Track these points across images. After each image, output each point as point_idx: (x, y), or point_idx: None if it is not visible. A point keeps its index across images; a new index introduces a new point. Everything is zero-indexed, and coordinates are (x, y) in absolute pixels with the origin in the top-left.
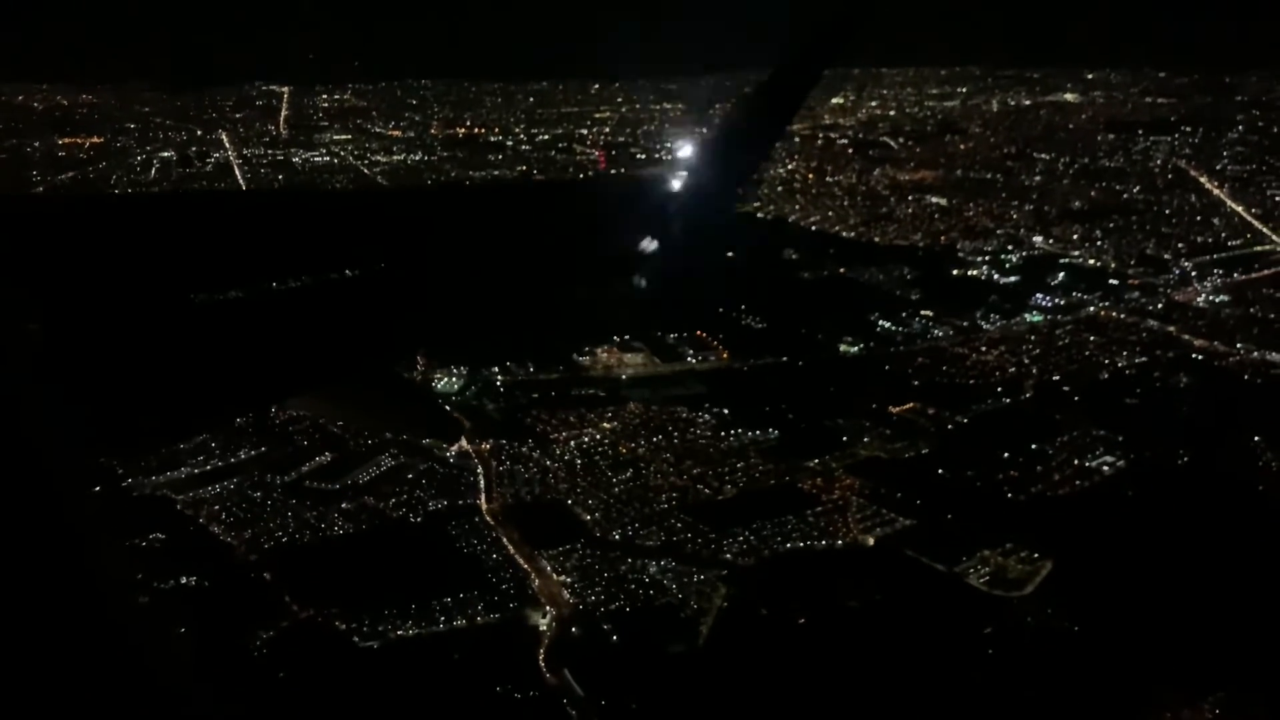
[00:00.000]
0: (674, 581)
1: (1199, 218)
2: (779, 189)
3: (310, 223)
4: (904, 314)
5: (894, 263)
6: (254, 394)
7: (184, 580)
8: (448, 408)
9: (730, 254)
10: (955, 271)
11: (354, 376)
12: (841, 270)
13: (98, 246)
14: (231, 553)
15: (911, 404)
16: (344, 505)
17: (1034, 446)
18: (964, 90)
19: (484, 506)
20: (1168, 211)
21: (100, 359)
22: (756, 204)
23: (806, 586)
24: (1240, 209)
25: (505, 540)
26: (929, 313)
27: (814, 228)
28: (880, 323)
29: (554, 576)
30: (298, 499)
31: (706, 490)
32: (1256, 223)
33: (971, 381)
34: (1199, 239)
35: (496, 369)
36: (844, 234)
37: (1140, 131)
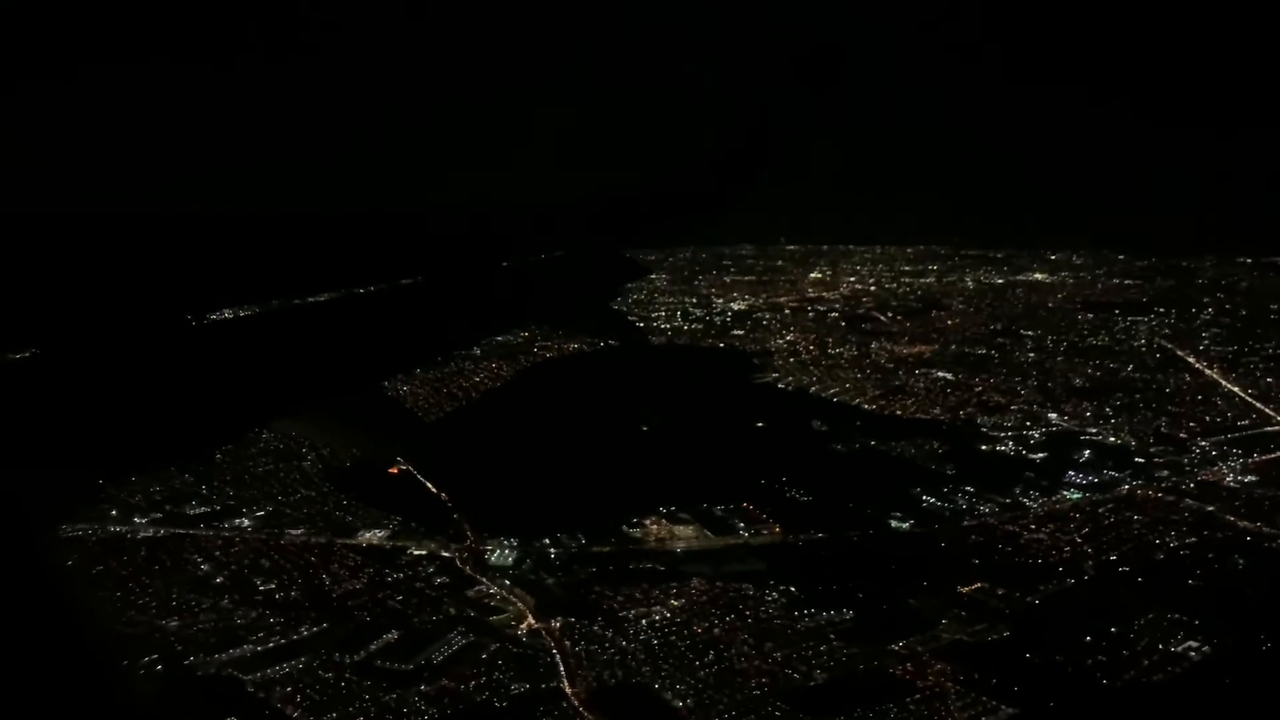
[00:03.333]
0: None
1: (1200, 397)
2: (790, 360)
3: (303, 243)
4: (945, 489)
5: (921, 437)
6: (247, 414)
7: None
8: (508, 582)
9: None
10: (984, 447)
11: (345, 395)
12: (872, 443)
13: (95, 265)
14: None
15: (979, 584)
16: (423, 688)
17: (1113, 630)
18: (935, 268)
19: (568, 690)
20: (1168, 390)
21: (97, 378)
22: (776, 375)
23: None
24: (1238, 389)
25: None
26: (970, 489)
27: (835, 399)
28: (924, 497)
29: None
30: (372, 680)
31: (796, 675)
32: (1257, 403)
33: (1030, 561)
34: (1207, 418)
35: (548, 540)
36: (865, 406)
37: (1117, 312)
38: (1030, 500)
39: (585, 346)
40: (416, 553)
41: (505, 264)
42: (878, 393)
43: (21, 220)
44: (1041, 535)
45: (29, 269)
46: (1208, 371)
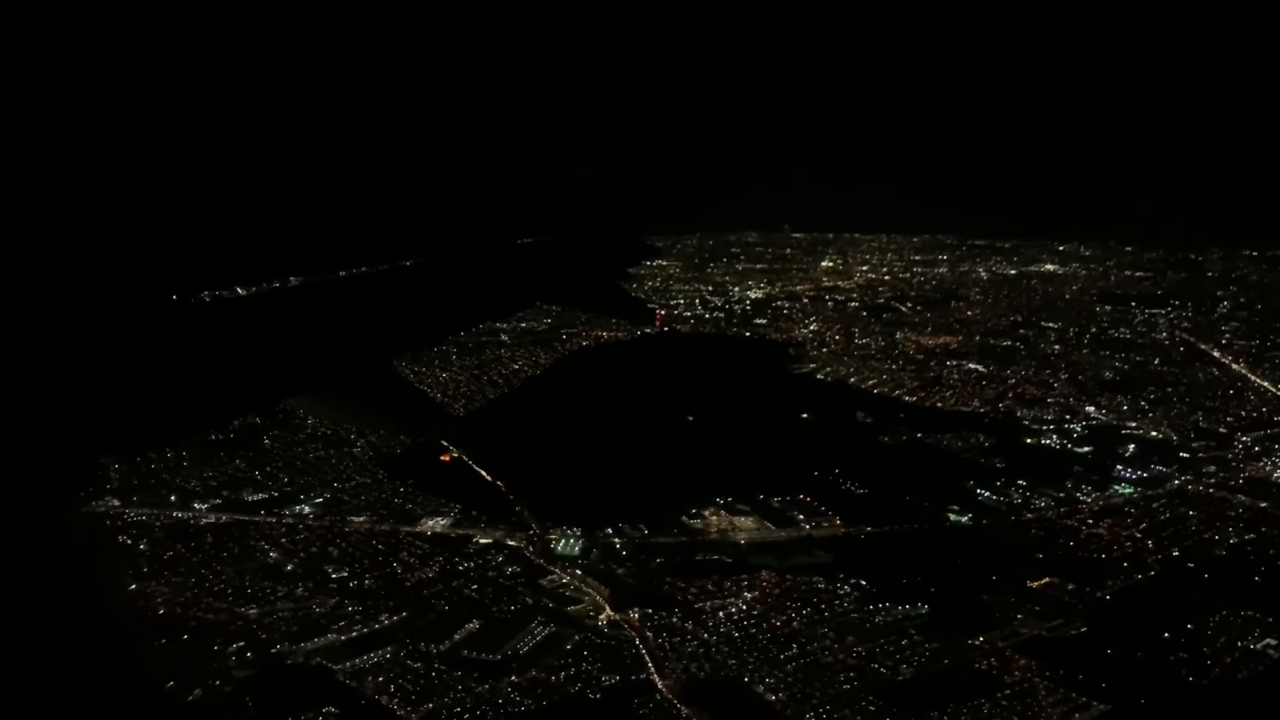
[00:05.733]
0: None
1: (1231, 392)
2: (824, 350)
3: (312, 221)
4: (998, 483)
5: (966, 429)
6: (256, 391)
7: None
8: (579, 572)
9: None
10: (1028, 440)
11: (356, 373)
12: (918, 435)
13: (101, 243)
14: None
15: (1047, 579)
16: (513, 678)
17: (1189, 626)
18: (945, 258)
19: (659, 684)
20: (1199, 384)
21: (103, 355)
22: (814, 365)
23: None
24: (1268, 385)
25: None
26: (1023, 482)
27: (875, 391)
28: (979, 491)
29: None
30: (462, 671)
31: (883, 670)
32: None
33: (1093, 555)
34: (1243, 414)
35: (610, 530)
36: (906, 399)
37: (1134, 304)
38: (1083, 495)
39: (619, 333)
40: (483, 541)
41: (516, 243)
42: (915, 384)
43: (35, 201)
44: (1100, 530)
45: (40, 250)
46: (1234, 366)
